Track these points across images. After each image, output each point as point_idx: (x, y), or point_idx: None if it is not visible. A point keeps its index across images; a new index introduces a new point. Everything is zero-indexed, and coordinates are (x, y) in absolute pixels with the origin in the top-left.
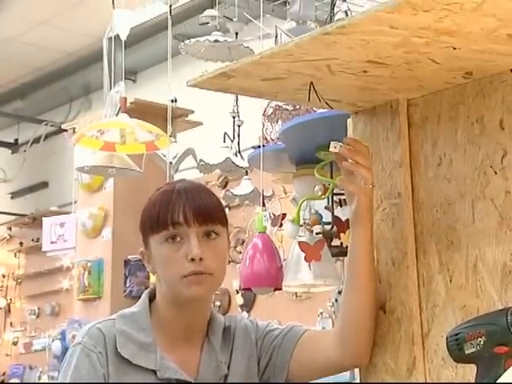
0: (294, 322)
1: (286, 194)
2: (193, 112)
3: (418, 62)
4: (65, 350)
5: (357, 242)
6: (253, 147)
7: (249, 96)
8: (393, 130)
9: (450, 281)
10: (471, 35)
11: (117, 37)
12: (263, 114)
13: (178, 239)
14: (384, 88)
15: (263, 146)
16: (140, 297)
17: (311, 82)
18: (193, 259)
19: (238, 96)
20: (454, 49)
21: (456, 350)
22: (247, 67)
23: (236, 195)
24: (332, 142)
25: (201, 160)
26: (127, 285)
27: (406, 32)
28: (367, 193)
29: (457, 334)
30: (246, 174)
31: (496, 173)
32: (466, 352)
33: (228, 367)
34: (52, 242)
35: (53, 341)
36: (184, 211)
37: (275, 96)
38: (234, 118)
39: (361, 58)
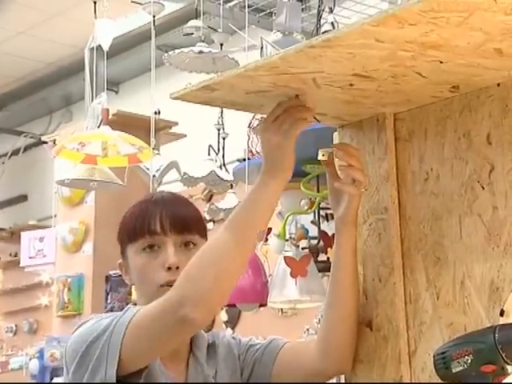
0: (276, 335)
1: None
2: (177, 124)
3: (405, 75)
4: (43, 368)
5: (343, 249)
6: (238, 160)
7: (233, 109)
8: (379, 144)
9: (437, 298)
10: (458, 49)
11: (99, 47)
12: (248, 127)
13: (155, 248)
14: (370, 102)
15: (248, 159)
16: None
17: (296, 95)
18: (169, 268)
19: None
20: (441, 63)
21: (443, 368)
22: (231, 80)
23: (221, 209)
24: (320, 150)
25: (185, 173)
26: (108, 301)
27: (393, 45)
28: (359, 196)
29: (444, 353)
30: (231, 188)
31: (483, 188)
32: (453, 371)
33: (215, 380)
34: (31, 257)
35: (30, 359)
36: (161, 220)
37: (260, 109)
38: (218, 130)
39: (347, 72)
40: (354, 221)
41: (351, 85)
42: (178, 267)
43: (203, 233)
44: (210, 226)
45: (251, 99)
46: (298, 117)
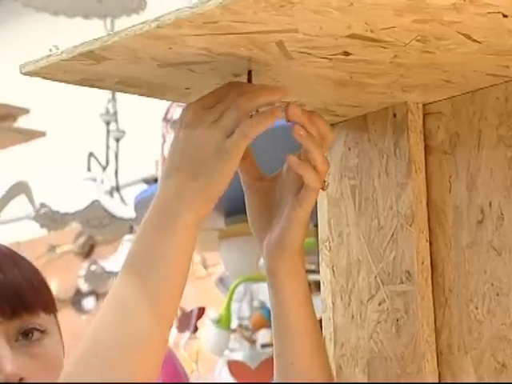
0: None
1: (206, 269)
2: (27, 112)
3: (441, 38)
4: None
5: (291, 295)
6: (144, 181)
7: (136, 94)
8: (398, 157)
9: None
10: None
11: None
12: (164, 119)
13: None
14: (381, 83)
15: None
16: None
17: (249, 72)
18: None
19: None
20: (504, 16)
21: None
22: (134, 43)
23: (110, 272)
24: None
25: (43, 204)
26: None
27: None
28: (313, 199)
29: None
30: (130, 232)
31: None
32: None
33: None
34: None
35: None
36: None
37: (184, 96)
38: (107, 123)
39: (338, 31)
40: (302, 242)
41: (346, 54)
42: (21, 378)
43: (52, 307)
44: (89, 302)
45: (168, 77)
46: (259, 103)
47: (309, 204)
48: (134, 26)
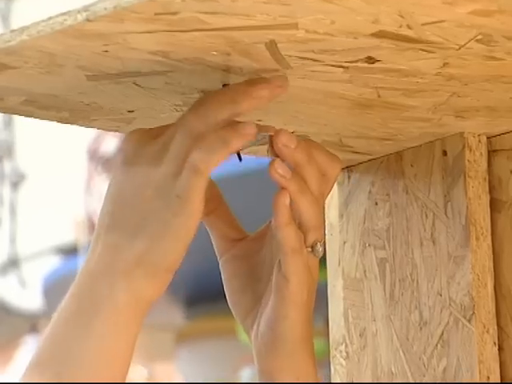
0: None
1: None
2: None
3: None
4: None
5: None
6: (59, 251)
7: (52, 120)
8: (449, 216)
9: None
10: None
11: None
12: (90, 156)
13: None
14: (424, 105)
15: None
16: None
17: (225, 86)
18: None
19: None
20: None
21: None
22: (51, 44)
23: None
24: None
25: None
26: None
27: None
28: (315, 266)
29: None
30: (34, 331)
31: None
32: None
33: None
34: None
35: None
36: None
37: (126, 122)
38: None
39: (360, 27)
40: (306, 335)
41: (371, 60)
42: None
43: None
44: None
45: (102, 95)
46: (231, 112)
47: (297, 276)
48: (50, 18)
